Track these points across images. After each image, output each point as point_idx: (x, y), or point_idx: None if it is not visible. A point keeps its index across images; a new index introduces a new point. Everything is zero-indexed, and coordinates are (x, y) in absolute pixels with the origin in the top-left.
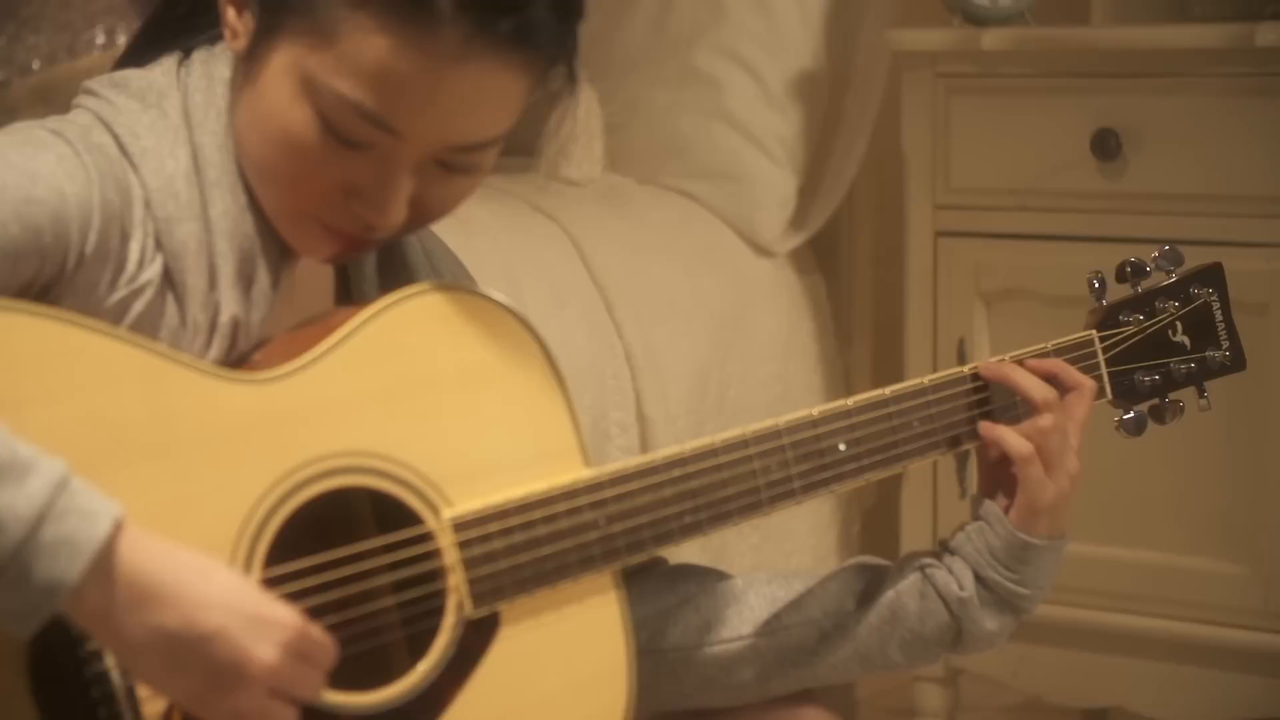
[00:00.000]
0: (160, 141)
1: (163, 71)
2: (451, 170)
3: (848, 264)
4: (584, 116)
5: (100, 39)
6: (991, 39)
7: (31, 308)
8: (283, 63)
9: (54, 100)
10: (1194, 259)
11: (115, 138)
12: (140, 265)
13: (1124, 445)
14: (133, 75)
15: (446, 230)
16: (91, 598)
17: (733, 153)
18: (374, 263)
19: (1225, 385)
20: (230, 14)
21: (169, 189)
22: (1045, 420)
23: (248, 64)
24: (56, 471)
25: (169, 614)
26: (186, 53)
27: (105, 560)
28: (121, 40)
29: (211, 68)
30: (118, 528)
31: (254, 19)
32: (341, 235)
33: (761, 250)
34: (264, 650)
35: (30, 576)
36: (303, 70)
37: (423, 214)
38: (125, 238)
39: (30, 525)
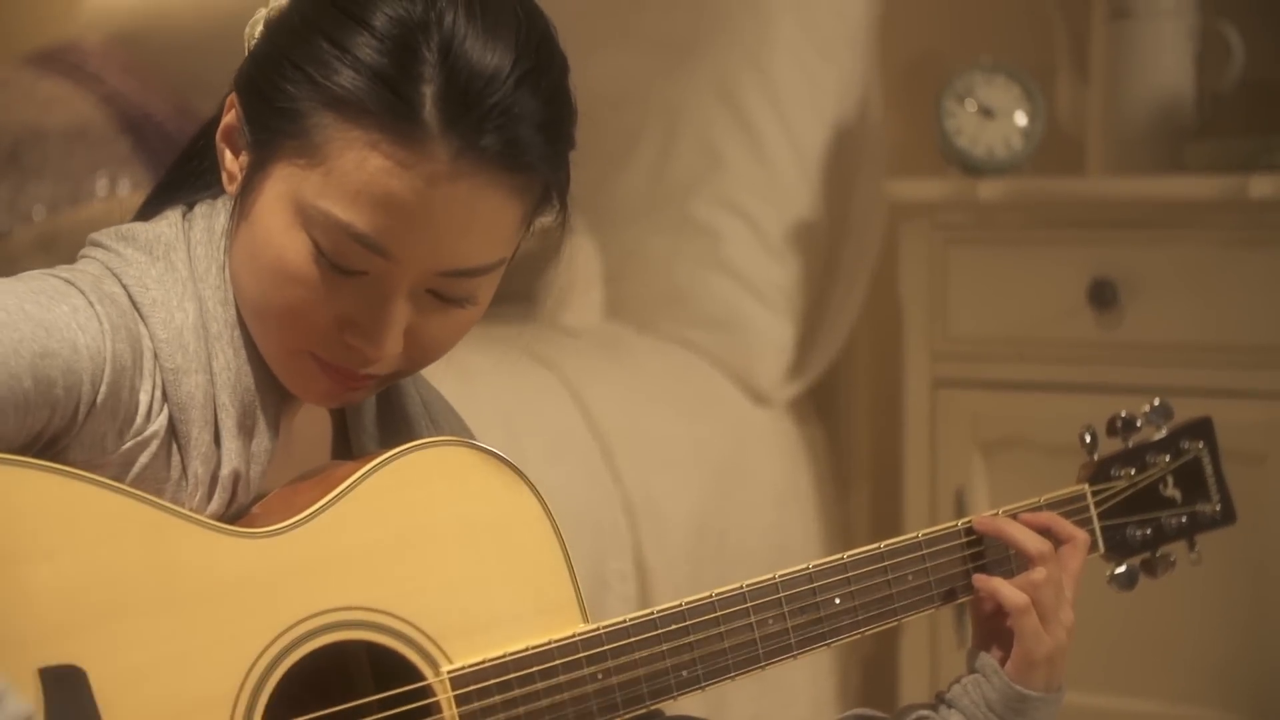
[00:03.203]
0: (169, 294)
1: (168, 224)
2: (446, 301)
3: (846, 413)
4: (583, 264)
5: (102, 189)
6: (988, 189)
7: (34, 462)
8: (276, 191)
9: (56, 249)
10: (1190, 409)
11: (125, 289)
12: (148, 417)
13: (1120, 593)
14: (139, 228)
15: (444, 379)
16: None
17: (731, 302)
18: (373, 415)
19: (1223, 533)
20: (228, 158)
21: (177, 341)
22: (1039, 573)
23: (243, 199)
24: (20, 712)
25: None
26: (190, 206)
27: None
28: (123, 189)
29: (212, 221)
30: None
31: (249, 156)
32: (337, 372)
33: (760, 399)
34: None
35: None
36: (295, 196)
37: (418, 351)
38: (135, 389)
39: None
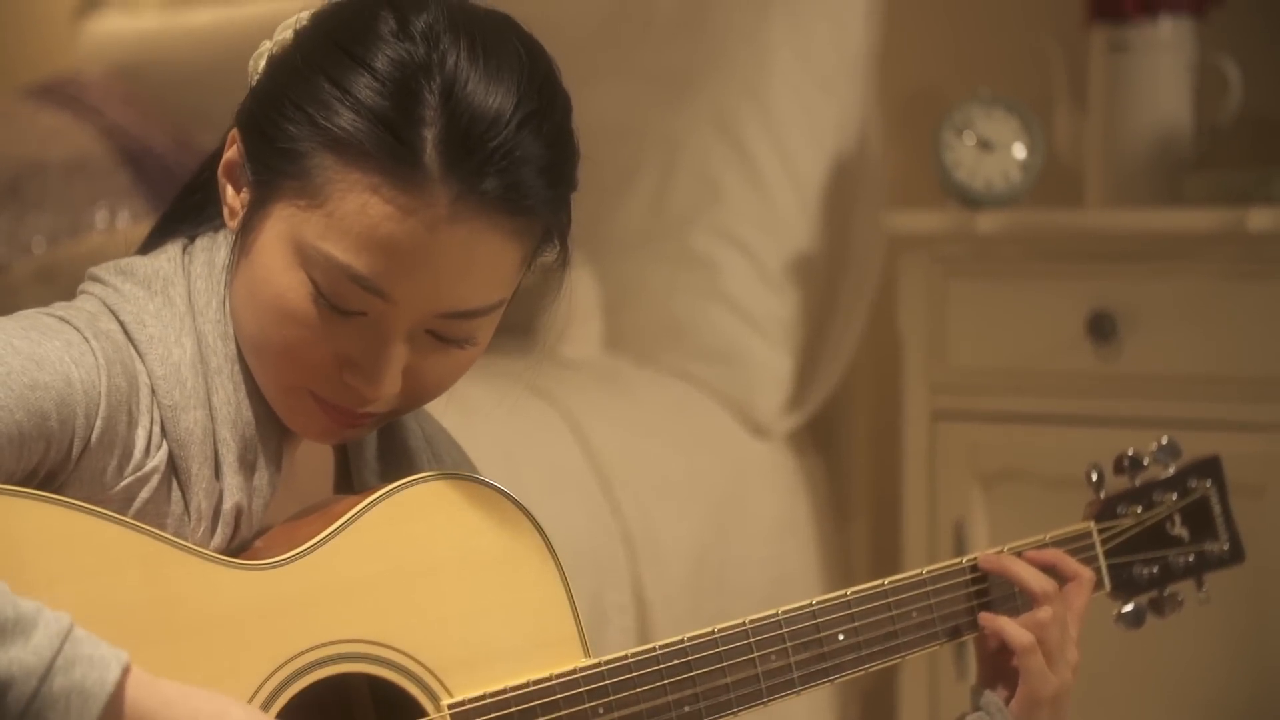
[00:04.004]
0: (166, 329)
1: (168, 259)
2: (445, 342)
3: (845, 445)
4: (581, 296)
5: (102, 221)
6: (986, 222)
7: (32, 492)
8: (276, 230)
9: (55, 282)
10: (1189, 441)
11: (121, 325)
12: (147, 452)
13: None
14: (138, 262)
15: (445, 411)
16: None
17: (730, 334)
18: (374, 449)
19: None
20: (229, 193)
21: (175, 376)
22: (1045, 612)
23: (243, 236)
24: (61, 623)
25: None
26: (191, 239)
27: (118, 705)
28: (122, 222)
29: (213, 255)
30: (126, 673)
31: (250, 193)
32: (336, 410)
33: (759, 431)
34: None
35: None
36: (295, 236)
37: (417, 390)
38: (132, 424)
39: (40, 677)
